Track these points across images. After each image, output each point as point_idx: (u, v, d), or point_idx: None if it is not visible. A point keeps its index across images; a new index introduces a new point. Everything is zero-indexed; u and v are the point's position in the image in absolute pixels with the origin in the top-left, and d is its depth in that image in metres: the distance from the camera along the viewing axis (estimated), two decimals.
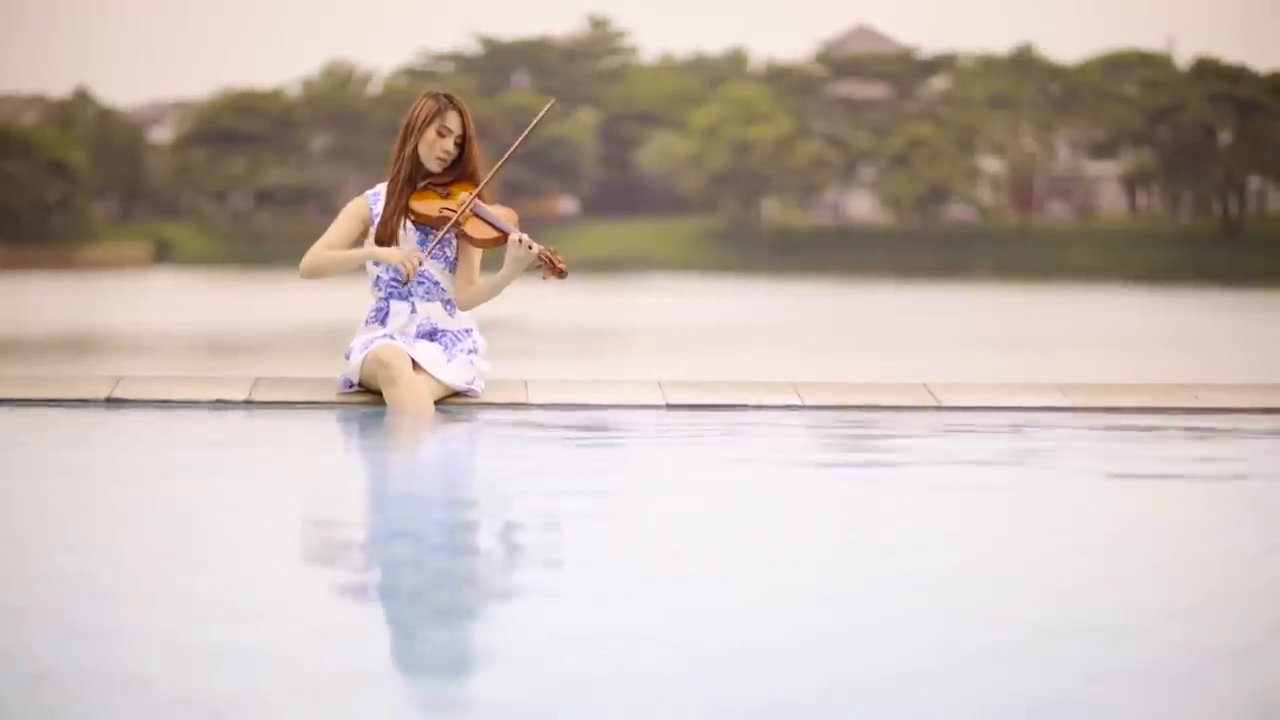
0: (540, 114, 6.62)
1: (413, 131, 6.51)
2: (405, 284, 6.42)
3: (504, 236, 6.42)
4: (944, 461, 5.64)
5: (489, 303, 6.57)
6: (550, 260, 6.37)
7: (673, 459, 5.68)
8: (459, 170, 6.55)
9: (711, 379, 7.06)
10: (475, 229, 6.46)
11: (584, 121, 79.38)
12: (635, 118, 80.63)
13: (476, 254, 6.59)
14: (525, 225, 6.57)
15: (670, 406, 6.59)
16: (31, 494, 4.70)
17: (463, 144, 6.54)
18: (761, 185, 75.20)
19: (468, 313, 6.61)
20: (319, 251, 6.48)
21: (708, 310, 42.78)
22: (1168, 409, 6.77)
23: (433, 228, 6.50)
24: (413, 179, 6.54)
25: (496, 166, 6.55)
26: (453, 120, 6.50)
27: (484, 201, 6.54)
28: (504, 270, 6.44)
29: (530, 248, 6.36)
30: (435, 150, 6.50)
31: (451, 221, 6.42)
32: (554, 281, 6.45)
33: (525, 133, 6.57)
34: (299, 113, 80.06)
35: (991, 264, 69.52)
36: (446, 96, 6.53)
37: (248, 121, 78.56)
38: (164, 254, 76.11)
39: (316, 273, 6.52)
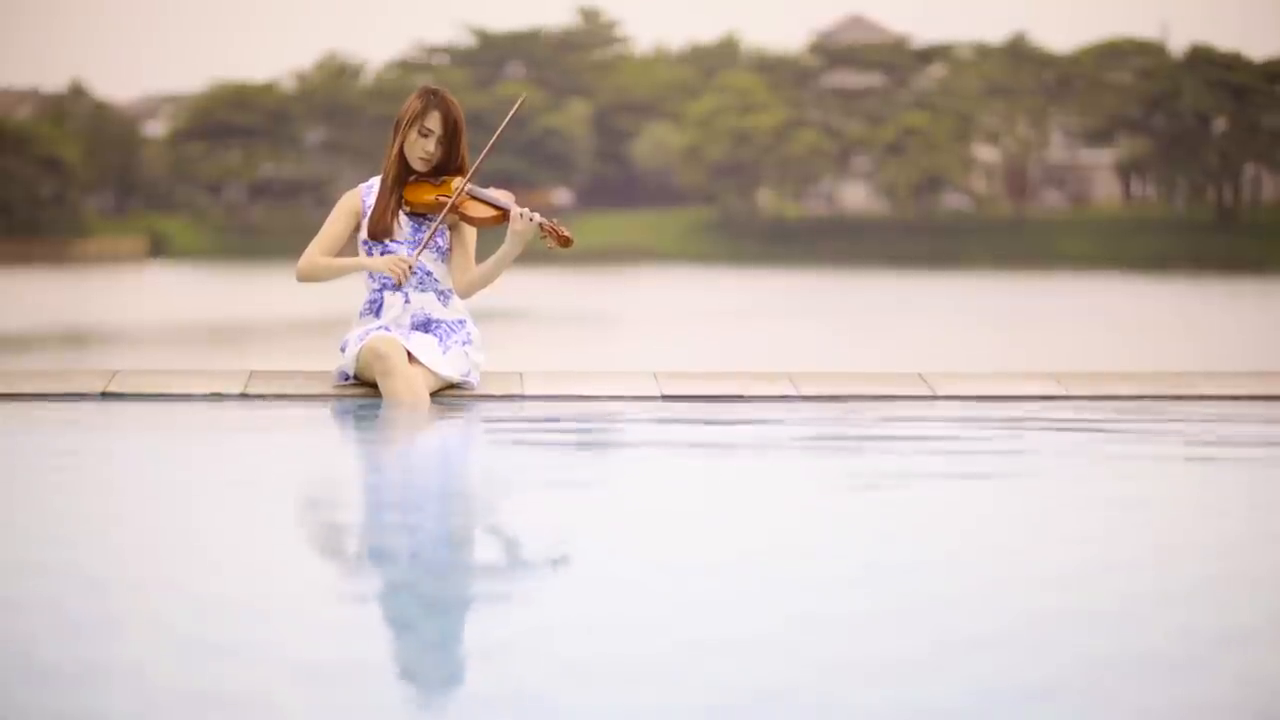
0: (511, 111, 6.59)
1: (400, 129, 6.49)
2: (399, 288, 6.42)
3: (504, 214, 6.40)
4: (940, 450, 5.64)
5: (486, 289, 6.55)
6: (554, 229, 6.36)
7: (668, 449, 5.68)
8: (446, 168, 6.49)
9: (707, 369, 7.06)
10: (474, 209, 6.43)
11: (577, 113, 79.28)
12: (629, 109, 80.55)
13: (471, 240, 6.56)
14: None
15: (666, 397, 6.59)
16: (28, 488, 4.70)
17: (447, 142, 6.47)
18: (757, 175, 75.14)
19: (463, 302, 6.59)
20: (313, 258, 6.47)
21: (703, 301, 42.75)
22: (1163, 397, 6.77)
23: (430, 215, 6.46)
24: (403, 176, 6.51)
25: (470, 171, 6.47)
26: (433, 120, 6.43)
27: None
28: (505, 246, 6.42)
29: (532, 219, 6.35)
30: (417, 150, 6.46)
31: (448, 206, 6.39)
32: (559, 251, 6.44)
33: (497, 133, 6.53)
34: (293, 106, 79.92)
35: (986, 253, 69.48)
36: (433, 94, 6.48)
37: (242, 115, 78.43)
38: (159, 248, 75.99)
39: (310, 280, 6.52)
